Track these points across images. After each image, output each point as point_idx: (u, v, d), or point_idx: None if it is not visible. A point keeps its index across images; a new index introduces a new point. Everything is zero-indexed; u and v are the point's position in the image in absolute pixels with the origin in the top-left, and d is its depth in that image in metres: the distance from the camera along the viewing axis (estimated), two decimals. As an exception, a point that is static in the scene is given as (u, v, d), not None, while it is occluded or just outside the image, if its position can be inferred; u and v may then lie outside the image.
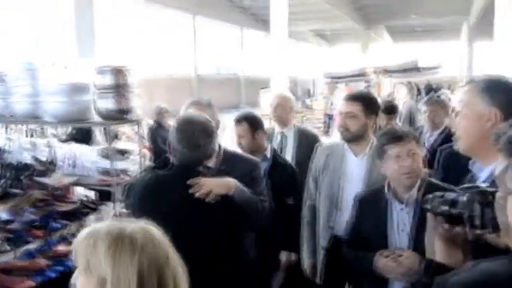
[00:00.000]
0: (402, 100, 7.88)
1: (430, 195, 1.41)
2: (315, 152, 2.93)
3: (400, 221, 2.19)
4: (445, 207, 1.35)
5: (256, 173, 2.42)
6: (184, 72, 24.37)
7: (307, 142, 3.42)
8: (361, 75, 12.67)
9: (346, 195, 2.69)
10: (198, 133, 2.02)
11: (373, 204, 2.29)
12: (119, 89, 3.45)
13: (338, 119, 2.77)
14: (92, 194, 3.84)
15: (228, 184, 2.10)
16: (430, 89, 23.66)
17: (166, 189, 2.04)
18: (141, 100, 3.65)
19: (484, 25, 26.69)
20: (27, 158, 3.99)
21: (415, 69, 11.86)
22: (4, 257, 2.66)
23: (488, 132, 1.59)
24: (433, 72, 13.94)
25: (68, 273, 2.82)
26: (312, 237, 2.87)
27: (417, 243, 2.03)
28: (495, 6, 15.28)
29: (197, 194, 1.99)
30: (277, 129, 3.64)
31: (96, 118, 3.67)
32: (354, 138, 2.68)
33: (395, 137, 2.15)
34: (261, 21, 31.16)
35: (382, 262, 2.09)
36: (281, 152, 3.42)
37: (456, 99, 1.95)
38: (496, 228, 1.19)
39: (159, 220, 2.00)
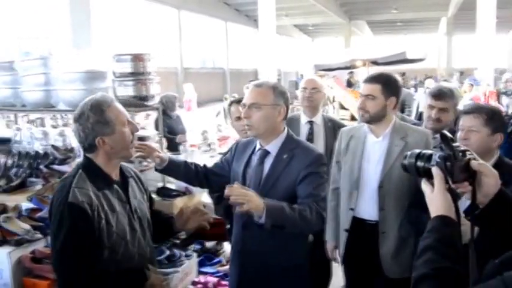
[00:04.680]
0: None
1: (413, 152, 1.33)
2: (339, 136, 2.89)
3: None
4: (411, 160, 1.30)
5: (315, 168, 2.18)
6: (170, 66, 24.13)
7: (336, 130, 3.20)
8: (350, 66, 12.70)
9: (366, 176, 2.65)
10: None
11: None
12: (139, 76, 3.35)
13: (359, 100, 2.71)
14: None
15: (258, 206, 1.96)
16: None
17: None
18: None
19: (462, 19, 27.11)
20: (39, 148, 3.86)
21: (402, 60, 11.91)
22: (35, 245, 2.56)
23: (493, 150, 2.23)
24: (419, 62, 14.08)
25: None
26: (335, 220, 2.84)
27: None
28: (477, 1, 15.47)
29: (232, 198, 1.93)
30: (305, 118, 3.42)
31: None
32: (372, 120, 2.62)
33: None
34: (244, 16, 31.06)
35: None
36: (312, 142, 3.28)
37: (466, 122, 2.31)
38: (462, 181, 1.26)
39: None
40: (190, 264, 3.20)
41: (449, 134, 1.26)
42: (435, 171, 1.25)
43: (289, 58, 36.27)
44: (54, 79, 3.60)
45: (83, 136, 1.92)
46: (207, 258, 3.55)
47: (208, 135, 5.97)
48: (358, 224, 2.69)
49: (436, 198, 1.25)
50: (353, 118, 9.19)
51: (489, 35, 14.83)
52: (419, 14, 28.60)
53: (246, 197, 1.93)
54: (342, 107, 10.96)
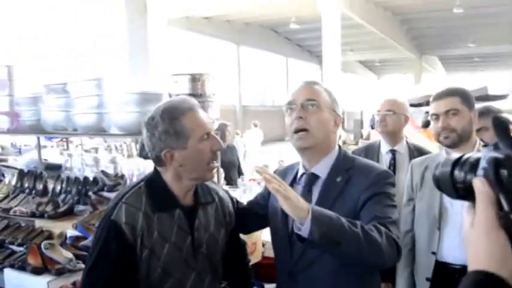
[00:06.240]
0: None
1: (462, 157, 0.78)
2: (409, 170, 2.58)
3: None
4: (446, 169, 0.77)
5: (380, 188, 1.73)
6: (229, 103, 24.55)
7: None
8: (424, 103, 12.26)
9: (449, 211, 2.32)
10: None
11: None
12: (196, 97, 3.27)
13: (435, 123, 2.35)
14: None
15: (301, 206, 1.48)
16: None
17: None
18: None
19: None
20: (90, 175, 3.86)
21: (483, 97, 11.35)
22: (76, 276, 2.46)
23: None
24: (501, 100, 13.38)
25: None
26: (410, 268, 2.53)
27: None
28: None
29: (272, 186, 1.46)
30: (386, 146, 3.10)
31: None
32: (461, 139, 2.29)
33: None
34: (306, 51, 31.34)
35: None
36: (394, 174, 3.05)
37: None
38: None
39: None
40: (247, 308, 3.00)
41: (509, 119, 0.77)
42: (478, 185, 0.71)
43: (354, 96, 36.08)
44: (107, 102, 3.61)
45: (150, 146, 1.69)
46: (266, 302, 3.33)
47: (268, 170, 5.83)
48: (441, 270, 2.36)
49: (476, 237, 0.70)
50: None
51: None
52: (499, 48, 27.65)
53: (286, 191, 1.48)
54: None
